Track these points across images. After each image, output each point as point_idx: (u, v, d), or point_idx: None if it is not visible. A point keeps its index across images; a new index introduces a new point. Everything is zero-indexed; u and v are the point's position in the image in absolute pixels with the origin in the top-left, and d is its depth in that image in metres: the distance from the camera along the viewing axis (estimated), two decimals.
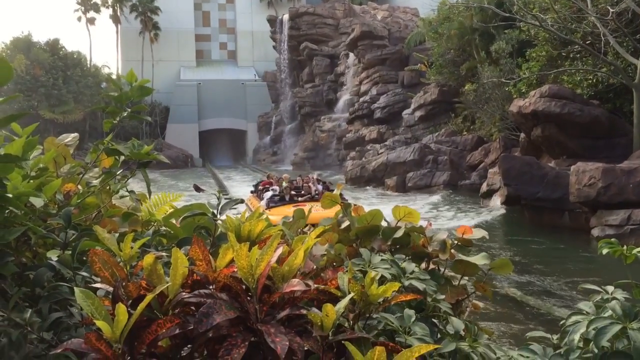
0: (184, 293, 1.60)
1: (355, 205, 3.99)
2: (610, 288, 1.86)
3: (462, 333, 1.99)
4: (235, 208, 2.25)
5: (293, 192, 18.04)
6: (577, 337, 1.65)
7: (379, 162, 31.87)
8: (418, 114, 37.65)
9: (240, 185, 33.65)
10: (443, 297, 2.12)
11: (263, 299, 1.62)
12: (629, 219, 15.02)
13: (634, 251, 1.74)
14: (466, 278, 4.34)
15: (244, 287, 1.60)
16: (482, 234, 4.36)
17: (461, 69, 32.48)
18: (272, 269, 1.67)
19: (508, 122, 25.79)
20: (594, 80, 20.00)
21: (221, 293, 1.61)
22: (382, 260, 2.05)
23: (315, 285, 1.69)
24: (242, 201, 2.56)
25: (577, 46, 20.80)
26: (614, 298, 1.76)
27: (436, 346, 1.56)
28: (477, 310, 3.79)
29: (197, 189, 2.49)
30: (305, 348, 1.58)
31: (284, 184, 18.54)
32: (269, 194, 18.20)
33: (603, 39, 18.54)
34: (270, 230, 2.11)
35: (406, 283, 1.97)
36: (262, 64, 61.12)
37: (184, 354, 1.67)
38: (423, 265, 4.06)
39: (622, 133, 18.74)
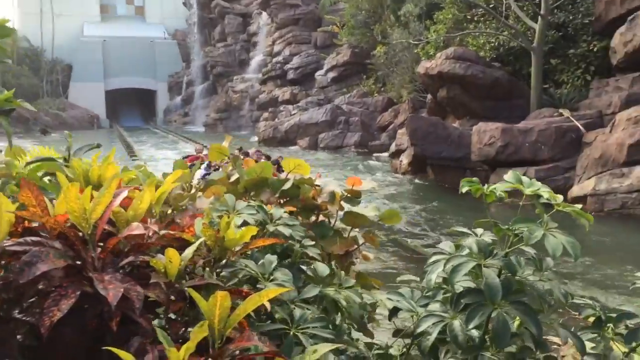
0: (8, 242, 1.43)
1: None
2: (480, 230, 1.87)
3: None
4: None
5: None
6: (434, 276, 1.64)
7: (292, 123, 31.80)
8: (331, 75, 37.69)
9: (150, 150, 32.56)
10: (312, 243, 2.06)
11: (105, 246, 1.49)
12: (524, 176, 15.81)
13: (491, 188, 1.74)
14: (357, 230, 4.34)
15: (80, 233, 1.46)
16: (371, 185, 4.37)
17: (373, 31, 32.65)
18: (115, 214, 1.53)
19: (417, 84, 26.31)
20: (496, 44, 20.69)
21: (56, 241, 1.46)
22: (248, 206, 1.96)
23: (164, 231, 1.58)
24: (98, 146, 2.37)
25: (481, 9, 21.38)
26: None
27: (287, 289, 1.49)
28: (368, 260, 3.81)
29: (44, 132, 2.28)
30: (152, 298, 1.48)
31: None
32: (200, 173, 16.01)
33: (505, 2, 19.12)
34: (129, 174, 1.96)
35: (271, 229, 1.89)
36: (172, 21, 58.70)
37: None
38: (313, 217, 4.02)
39: (521, 95, 19.60)
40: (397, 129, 25.95)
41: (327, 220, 3.92)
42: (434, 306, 1.68)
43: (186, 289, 1.42)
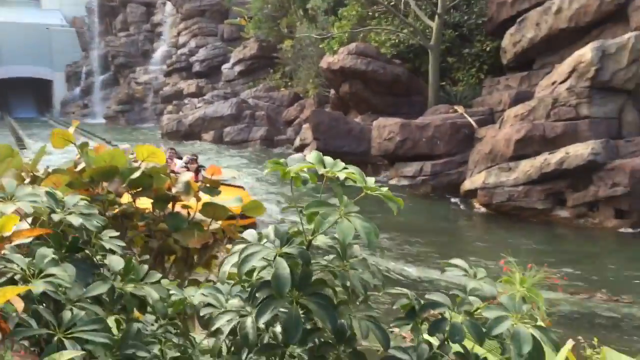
0: None
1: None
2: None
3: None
4: None
5: None
6: (227, 268, 1.48)
7: (196, 117, 31.04)
8: (238, 68, 37.11)
9: (43, 142, 30.61)
10: (118, 233, 1.84)
11: None
12: (421, 171, 16.27)
13: (291, 169, 1.60)
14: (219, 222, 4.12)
15: None
16: (232, 174, 4.17)
17: (280, 24, 32.42)
18: None
19: (323, 79, 26.38)
20: (397, 41, 21.11)
21: None
22: (31, 193, 1.71)
23: None
24: None
25: (382, 6, 21.74)
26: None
27: (25, 288, 1.27)
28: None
29: None
30: None
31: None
32: (180, 164, 13.34)
33: (404, 0, 19.53)
34: None
35: (57, 218, 1.65)
36: (71, 8, 55.47)
37: None
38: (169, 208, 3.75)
39: (420, 91, 20.13)
40: (302, 123, 25.95)
41: (187, 211, 3.68)
42: (233, 302, 1.52)
43: None
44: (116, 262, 1.53)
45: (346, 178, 1.54)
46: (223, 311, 1.47)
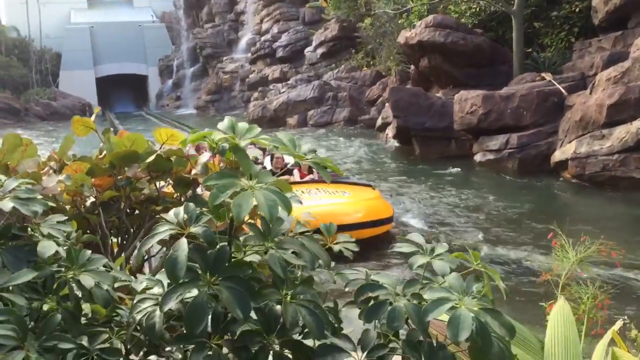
0: None
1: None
2: None
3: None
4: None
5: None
6: (143, 249, 1.35)
7: (280, 102, 31.38)
8: (320, 51, 37.06)
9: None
10: (65, 218, 1.75)
11: None
12: (507, 143, 15.49)
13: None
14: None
15: None
16: (253, 154, 4.05)
17: (359, 2, 31.97)
18: None
19: (403, 55, 25.79)
20: (478, 9, 20.14)
21: None
22: None
23: None
24: None
25: None
26: None
27: None
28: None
29: None
30: None
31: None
32: (205, 156, 12.82)
33: None
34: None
35: None
36: (160, 3, 57.84)
37: None
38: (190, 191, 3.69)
39: (504, 60, 19.13)
40: (385, 102, 25.54)
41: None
42: (155, 289, 1.39)
43: None
44: (46, 248, 1.44)
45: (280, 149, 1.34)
46: (139, 299, 1.35)
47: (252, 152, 3.95)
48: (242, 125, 1.42)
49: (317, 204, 8.92)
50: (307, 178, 10.33)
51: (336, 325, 1.65)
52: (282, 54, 39.95)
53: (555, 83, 15.72)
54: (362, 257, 7.67)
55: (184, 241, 1.27)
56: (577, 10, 18.02)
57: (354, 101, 29.59)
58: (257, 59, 42.03)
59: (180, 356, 1.35)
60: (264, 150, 11.96)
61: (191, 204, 1.40)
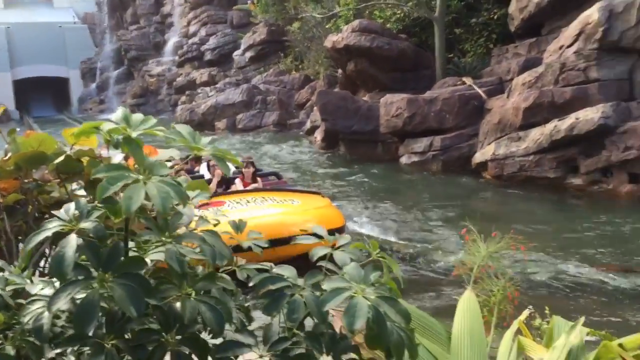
0: None
1: None
2: None
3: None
4: None
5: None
6: (27, 248, 1.31)
7: (208, 105, 30.99)
8: (248, 54, 36.84)
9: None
10: None
11: None
12: (431, 146, 15.95)
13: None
14: None
15: None
16: (169, 154, 3.99)
17: (287, 6, 32.04)
18: None
19: (332, 59, 26.03)
20: (402, 15, 20.64)
21: None
22: None
23: None
24: None
25: None
26: None
27: None
28: None
29: None
30: None
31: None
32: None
33: None
34: None
35: None
36: (81, 4, 55.67)
37: None
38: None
39: (427, 65, 19.68)
40: (314, 105, 25.71)
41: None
42: (46, 290, 1.35)
43: None
44: None
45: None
46: (29, 301, 1.30)
47: (170, 153, 3.89)
48: (137, 116, 1.39)
49: (264, 213, 8.47)
50: (250, 187, 9.79)
51: (245, 321, 1.65)
52: (210, 57, 39.44)
53: (476, 87, 16.33)
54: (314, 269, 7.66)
55: (72, 237, 1.23)
56: (495, 17, 18.79)
57: (283, 105, 29.61)
58: (184, 62, 41.32)
59: (73, 359, 1.31)
60: (199, 159, 11.28)
61: (82, 200, 1.36)
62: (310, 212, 8.84)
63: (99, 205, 1.35)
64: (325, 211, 9.09)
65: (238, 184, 9.92)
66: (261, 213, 8.40)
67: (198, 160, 11.30)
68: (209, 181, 9.78)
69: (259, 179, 10.17)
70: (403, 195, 13.71)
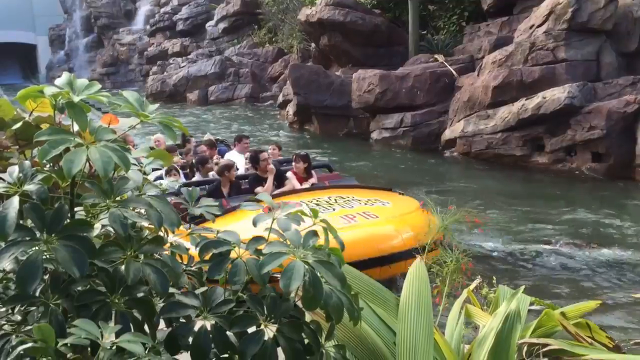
0: None
1: None
2: None
3: None
4: None
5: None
6: None
7: (180, 76, 30.61)
8: (222, 26, 36.37)
9: None
10: None
11: None
12: (402, 122, 16.05)
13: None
14: None
15: None
16: (131, 123, 3.99)
17: None
18: None
19: (305, 33, 25.83)
20: None
21: None
22: None
23: None
24: None
25: None
26: None
27: None
28: None
29: None
30: None
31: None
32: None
33: None
34: None
35: None
36: None
37: None
38: None
39: (400, 41, 19.68)
40: (287, 79, 25.57)
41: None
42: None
43: None
44: None
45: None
46: None
47: (131, 122, 3.88)
48: (82, 81, 1.41)
49: (357, 223, 6.39)
50: (308, 183, 8.00)
51: (197, 286, 1.71)
52: (182, 27, 38.83)
53: (447, 65, 16.43)
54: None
55: (15, 199, 1.26)
56: None
57: (256, 78, 29.42)
58: (156, 32, 40.60)
59: (19, 318, 1.34)
60: (213, 144, 9.89)
61: (27, 162, 1.38)
62: (412, 218, 6.61)
63: (44, 169, 1.38)
64: (423, 218, 6.06)
65: (291, 179, 8.06)
66: (354, 223, 6.40)
67: (213, 146, 9.81)
68: (245, 177, 8.12)
69: (313, 172, 8.37)
70: (371, 171, 13.82)
